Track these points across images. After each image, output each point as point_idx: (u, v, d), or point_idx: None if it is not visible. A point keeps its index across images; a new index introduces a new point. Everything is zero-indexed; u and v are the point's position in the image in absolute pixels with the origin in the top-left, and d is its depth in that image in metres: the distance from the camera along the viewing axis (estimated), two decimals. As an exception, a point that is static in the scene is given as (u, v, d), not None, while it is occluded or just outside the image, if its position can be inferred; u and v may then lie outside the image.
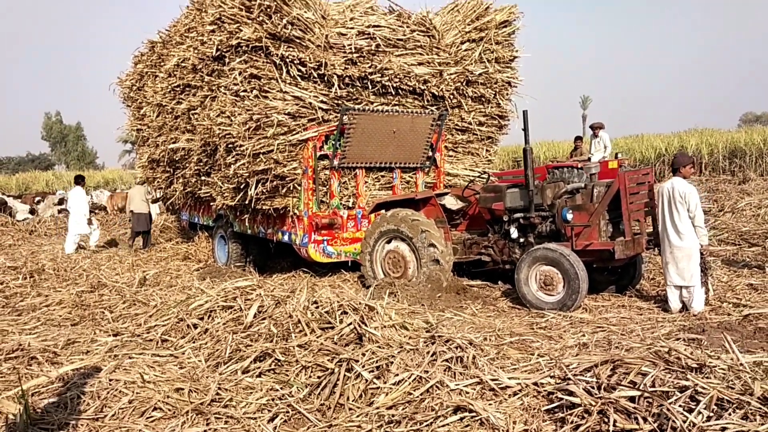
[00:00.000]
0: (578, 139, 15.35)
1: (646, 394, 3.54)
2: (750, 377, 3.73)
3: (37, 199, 24.19)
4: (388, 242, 8.34)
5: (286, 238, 9.32)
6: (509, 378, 4.13)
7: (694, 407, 3.42)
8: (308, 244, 8.90)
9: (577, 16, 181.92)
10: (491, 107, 10.31)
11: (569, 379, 3.90)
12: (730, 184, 19.67)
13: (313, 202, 8.90)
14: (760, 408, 3.38)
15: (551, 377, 4.08)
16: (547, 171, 10.93)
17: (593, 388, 3.75)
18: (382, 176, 9.69)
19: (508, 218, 7.87)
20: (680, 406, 3.44)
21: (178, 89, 10.27)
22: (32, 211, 22.68)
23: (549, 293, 7.00)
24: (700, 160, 25.93)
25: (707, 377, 3.70)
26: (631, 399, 3.56)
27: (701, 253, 6.60)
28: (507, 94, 10.41)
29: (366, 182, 9.44)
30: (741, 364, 3.99)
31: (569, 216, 7.20)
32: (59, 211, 22.07)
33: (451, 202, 8.71)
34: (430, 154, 9.92)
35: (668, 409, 3.38)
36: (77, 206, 13.15)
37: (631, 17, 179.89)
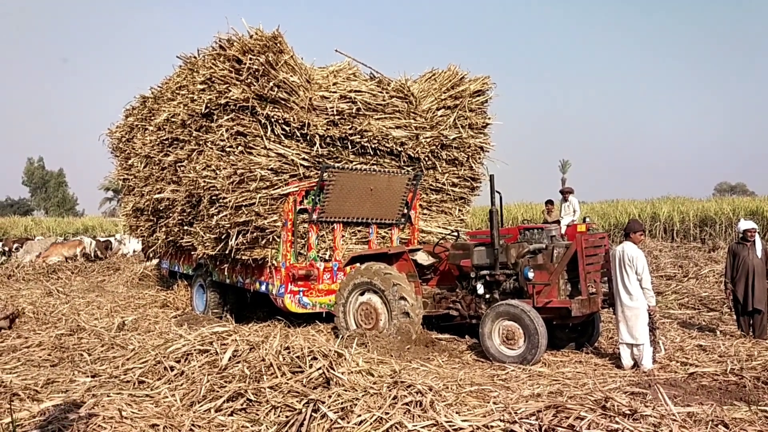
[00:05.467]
0: (549, 202, 15.98)
1: (581, 435, 3.92)
2: (678, 424, 4.13)
3: (15, 245, 24.18)
4: (362, 294, 8.68)
5: (263, 288, 9.66)
6: (462, 420, 4.48)
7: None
8: (284, 295, 9.24)
9: (560, 81, 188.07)
10: (464, 170, 10.93)
11: (515, 422, 4.27)
12: (699, 251, 20.18)
13: (291, 253, 9.29)
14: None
15: (501, 420, 4.44)
16: (519, 232, 11.48)
17: (536, 430, 4.12)
18: (359, 231, 10.15)
19: (475, 275, 8.30)
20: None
21: (166, 142, 10.74)
22: (7, 253, 22.71)
23: (511, 347, 7.38)
24: (672, 227, 26.74)
25: (637, 422, 4.09)
26: (568, 440, 3.95)
27: (649, 314, 7.06)
28: (479, 158, 11.06)
29: (343, 236, 9.88)
30: (672, 414, 4.41)
31: (530, 274, 7.66)
32: (37, 256, 22.08)
33: (423, 258, 9.13)
34: (406, 211, 10.42)
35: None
36: None
37: (616, 84, 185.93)
